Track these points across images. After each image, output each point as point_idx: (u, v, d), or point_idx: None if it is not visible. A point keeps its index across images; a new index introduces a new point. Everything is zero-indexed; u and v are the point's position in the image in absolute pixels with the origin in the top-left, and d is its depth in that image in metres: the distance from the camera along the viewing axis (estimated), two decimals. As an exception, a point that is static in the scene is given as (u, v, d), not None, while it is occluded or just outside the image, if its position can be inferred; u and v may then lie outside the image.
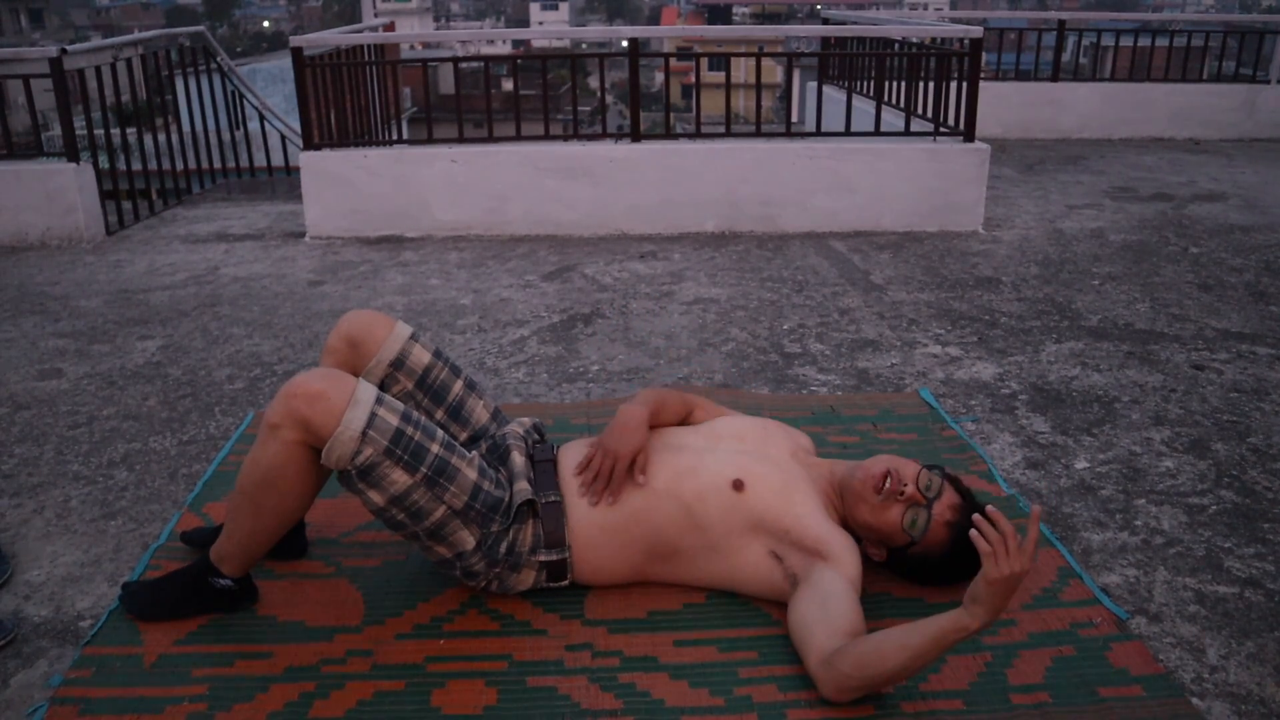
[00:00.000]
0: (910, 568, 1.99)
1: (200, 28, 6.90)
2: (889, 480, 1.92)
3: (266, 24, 56.14)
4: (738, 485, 1.92)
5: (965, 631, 1.59)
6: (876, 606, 1.96)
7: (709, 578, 1.99)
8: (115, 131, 5.39)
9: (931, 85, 5.21)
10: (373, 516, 1.90)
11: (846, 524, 2.00)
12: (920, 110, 5.28)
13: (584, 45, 23.84)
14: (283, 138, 7.17)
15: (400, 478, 1.79)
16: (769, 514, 1.90)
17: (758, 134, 5.28)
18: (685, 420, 2.22)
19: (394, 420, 1.78)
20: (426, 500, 1.82)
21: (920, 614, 1.92)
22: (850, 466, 2.04)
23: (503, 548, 1.92)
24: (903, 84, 5.50)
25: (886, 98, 5.50)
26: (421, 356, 2.11)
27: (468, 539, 1.89)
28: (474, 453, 1.94)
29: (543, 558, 1.95)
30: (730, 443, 2.07)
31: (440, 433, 1.86)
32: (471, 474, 1.86)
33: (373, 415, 1.76)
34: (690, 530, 1.94)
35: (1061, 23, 7.90)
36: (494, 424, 2.18)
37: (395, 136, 6.23)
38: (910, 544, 1.93)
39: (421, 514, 1.84)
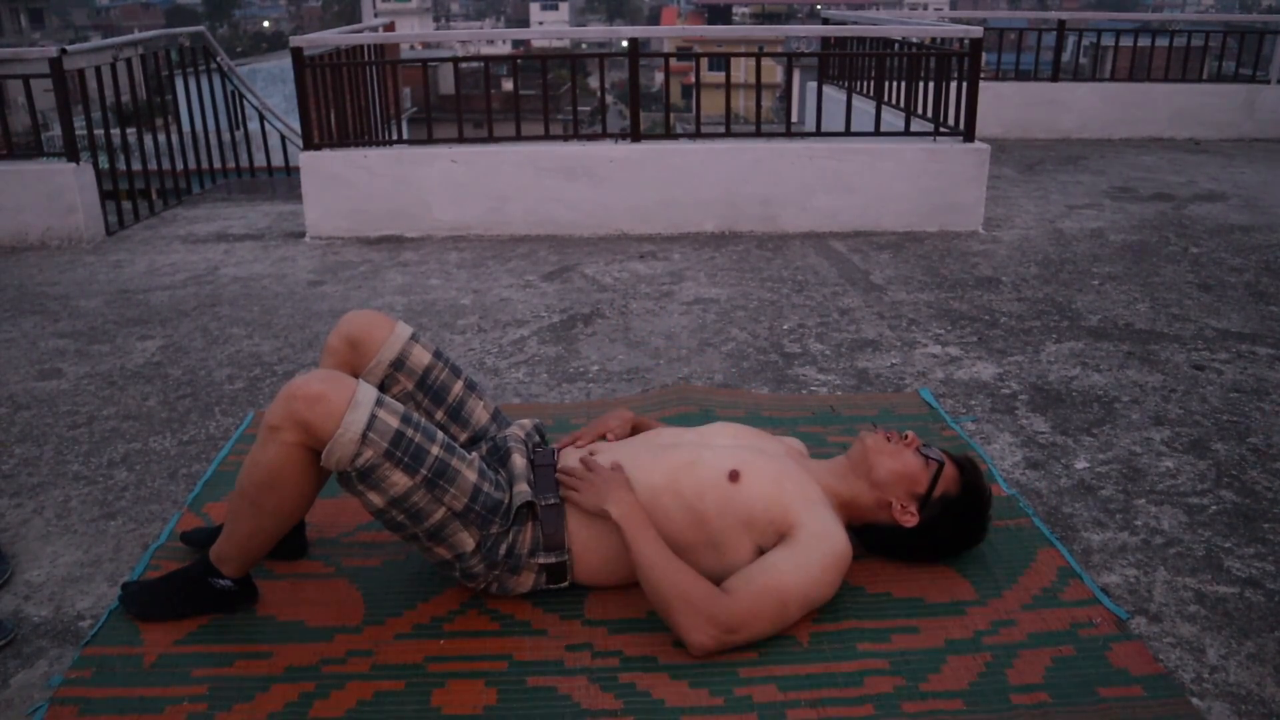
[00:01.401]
0: (935, 514, 2.02)
1: (200, 28, 6.90)
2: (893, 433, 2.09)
3: (266, 24, 56.12)
4: (733, 476, 1.93)
5: (617, 522, 1.88)
6: (877, 606, 1.97)
7: (707, 577, 1.99)
8: (115, 131, 5.39)
9: (931, 85, 5.22)
10: (372, 517, 1.90)
11: (863, 507, 2.03)
12: (920, 110, 5.27)
13: (584, 45, 23.85)
14: (283, 138, 7.17)
15: (400, 479, 1.79)
16: (759, 504, 1.91)
17: (758, 134, 5.27)
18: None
19: (394, 422, 1.78)
20: (426, 502, 1.82)
21: (920, 613, 1.95)
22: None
23: (502, 550, 1.92)
24: (903, 84, 5.50)
25: (886, 98, 5.50)
26: (422, 357, 2.11)
27: (467, 541, 1.89)
28: (474, 454, 1.94)
29: (542, 560, 1.95)
30: (726, 439, 2.09)
31: (440, 434, 1.86)
32: (471, 476, 1.86)
33: (373, 417, 1.76)
34: (691, 526, 1.94)
35: (1061, 23, 7.91)
36: (494, 425, 2.18)
37: (395, 136, 6.24)
38: (940, 467, 2.01)
39: (421, 516, 1.84)
